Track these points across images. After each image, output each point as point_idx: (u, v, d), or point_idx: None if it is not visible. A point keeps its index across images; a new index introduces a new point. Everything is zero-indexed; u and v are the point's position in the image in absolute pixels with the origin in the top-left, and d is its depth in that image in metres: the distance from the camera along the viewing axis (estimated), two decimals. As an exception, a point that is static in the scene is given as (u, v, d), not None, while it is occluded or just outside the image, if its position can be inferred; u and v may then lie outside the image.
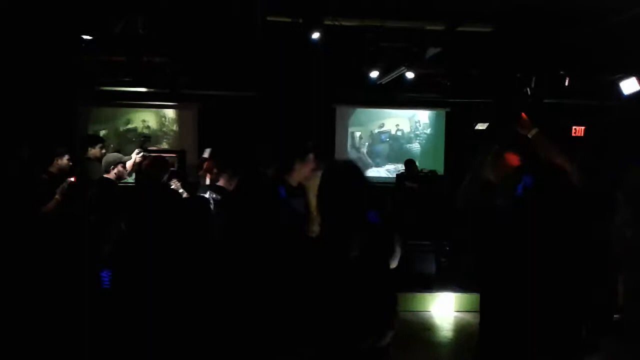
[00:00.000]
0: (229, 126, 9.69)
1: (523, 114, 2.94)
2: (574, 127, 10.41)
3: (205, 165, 4.98)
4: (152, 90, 9.47)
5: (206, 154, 5.37)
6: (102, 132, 9.96)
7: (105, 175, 4.74)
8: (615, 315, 2.71)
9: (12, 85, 7.53)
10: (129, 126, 10.42)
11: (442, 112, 10.94)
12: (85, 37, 6.68)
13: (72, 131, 8.90)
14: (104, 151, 5.52)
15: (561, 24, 6.06)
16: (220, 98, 9.92)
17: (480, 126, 4.07)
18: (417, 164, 8.99)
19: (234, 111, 9.83)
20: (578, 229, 2.75)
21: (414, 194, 8.35)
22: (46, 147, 5.29)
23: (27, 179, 4.41)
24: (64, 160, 5.08)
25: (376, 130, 11.02)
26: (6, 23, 5.95)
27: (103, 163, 4.85)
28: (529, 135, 2.87)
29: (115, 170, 4.76)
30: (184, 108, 10.43)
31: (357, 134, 11.02)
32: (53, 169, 5.01)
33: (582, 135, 10.43)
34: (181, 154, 9.64)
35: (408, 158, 9.27)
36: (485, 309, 2.94)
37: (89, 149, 5.49)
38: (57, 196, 4.20)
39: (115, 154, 5.21)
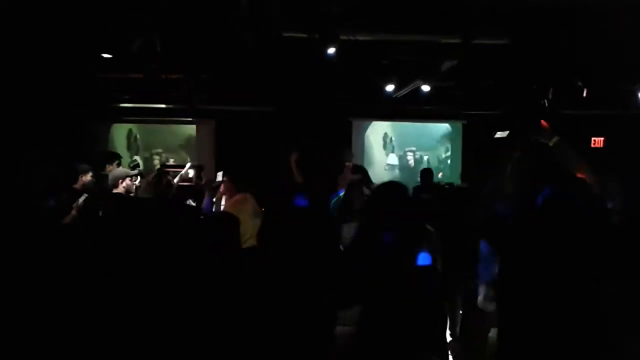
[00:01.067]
0: (245, 141, 9.76)
1: (543, 122, 2.91)
2: (593, 138, 10.34)
3: (220, 188, 5.00)
4: (170, 106, 9.57)
5: (219, 177, 5.38)
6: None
7: (114, 191, 4.78)
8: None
9: (32, 104, 7.66)
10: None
11: (459, 124, 10.90)
12: (104, 55, 6.79)
13: (92, 148, 9.02)
14: (121, 168, 5.58)
15: (578, 34, 6.02)
16: (237, 113, 9.99)
17: (500, 134, 4.03)
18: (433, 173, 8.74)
19: (251, 126, 9.90)
20: (594, 241, 2.71)
21: (429, 206, 8.22)
22: (66, 164, 5.36)
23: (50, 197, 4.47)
24: (88, 177, 5.13)
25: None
26: (26, 43, 6.07)
27: (110, 178, 4.89)
28: (550, 144, 2.83)
29: (124, 184, 4.81)
30: (201, 123, 10.52)
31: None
32: (77, 186, 5.07)
33: (602, 145, 10.36)
34: (198, 168, 9.71)
35: (424, 167, 9.06)
36: (504, 323, 2.89)
37: (107, 165, 5.56)
38: (73, 211, 4.26)
39: (122, 168, 5.28)
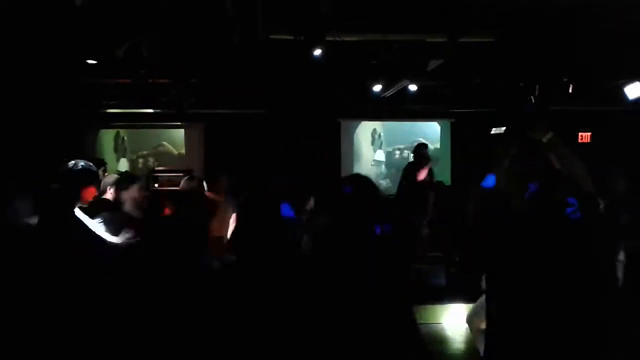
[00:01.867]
0: (235, 144, 9.75)
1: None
2: (580, 134, 10.43)
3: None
4: (158, 110, 9.55)
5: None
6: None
7: (103, 197, 4.76)
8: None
9: (17, 110, 7.61)
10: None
11: (447, 123, 10.94)
12: (90, 61, 6.76)
13: (79, 152, 8.96)
14: (106, 174, 5.53)
15: (563, 30, 6.06)
16: (225, 116, 9.98)
17: (496, 130, 4.04)
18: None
19: (239, 129, 9.89)
20: (586, 239, 2.73)
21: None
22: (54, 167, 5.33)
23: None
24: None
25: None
26: (12, 48, 6.03)
27: (102, 184, 4.87)
28: (544, 140, 2.85)
29: (112, 191, 4.78)
30: (189, 127, 10.51)
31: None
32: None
33: (589, 141, 10.45)
34: (188, 173, 9.69)
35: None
36: (491, 319, 2.91)
37: None
38: None
39: (114, 175, 5.24)
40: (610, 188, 4.21)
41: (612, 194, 4.19)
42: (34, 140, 7.66)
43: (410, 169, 7.45)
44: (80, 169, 3.49)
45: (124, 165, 10.56)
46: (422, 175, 7.29)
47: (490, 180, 3.02)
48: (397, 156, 11.15)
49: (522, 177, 2.86)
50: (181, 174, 8.93)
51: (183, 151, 10.65)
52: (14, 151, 7.16)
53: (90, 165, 3.58)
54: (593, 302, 2.63)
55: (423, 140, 8.86)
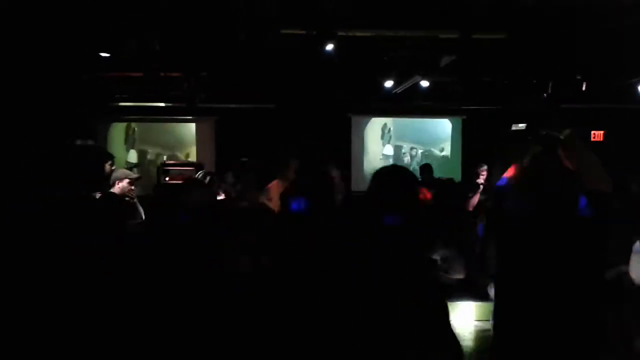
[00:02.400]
0: (246, 138, 9.77)
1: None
2: (593, 132, 10.35)
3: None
4: (169, 104, 9.58)
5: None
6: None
7: (111, 190, 4.81)
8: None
9: (28, 104, 7.66)
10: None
11: (459, 119, 10.90)
12: (102, 54, 6.79)
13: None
14: (114, 167, 5.57)
15: (576, 27, 6.01)
16: (237, 110, 10.00)
17: (516, 127, 4.02)
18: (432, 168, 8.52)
19: (251, 123, 9.91)
20: (594, 237, 2.71)
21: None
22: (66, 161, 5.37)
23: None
24: (125, 182, 5.12)
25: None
26: (24, 42, 6.08)
27: (112, 178, 4.93)
28: (561, 136, 2.84)
29: (120, 185, 4.83)
30: (201, 121, 10.54)
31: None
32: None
33: (602, 139, 10.36)
34: (199, 167, 9.73)
35: (424, 163, 8.99)
36: (500, 316, 2.90)
37: None
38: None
39: (124, 170, 5.28)
40: (626, 189, 4.17)
41: (628, 194, 4.15)
42: (43, 134, 7.70)
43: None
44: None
45: (133, 156, 10.60)
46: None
47: (505, 180, 3.01)
48: (404, 151, 11.14)
49: (542, 175, 2.84)
50: (192, 168, 9.03)
51: (189, 151, 10.67)
52: (23, 144, 7.21)
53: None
54: (594, 302, 2.62)
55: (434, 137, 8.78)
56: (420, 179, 8.60)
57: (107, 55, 6.87)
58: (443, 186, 8.56)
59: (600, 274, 2.81)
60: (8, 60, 6.47)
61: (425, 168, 8.35)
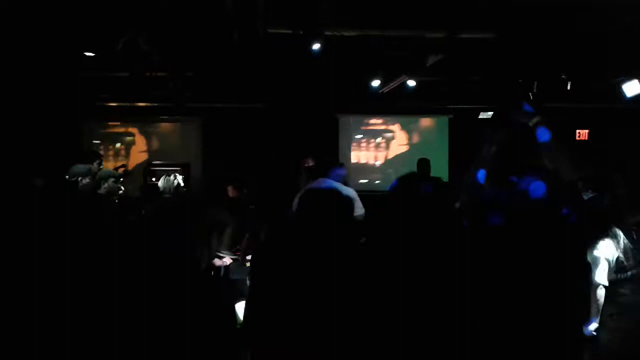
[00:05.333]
0: (232, 139, 9.73)
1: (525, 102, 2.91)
2: (577, 131, 10.44)
3: None
4: (155, 104, 9.51)
5: None
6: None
7: (98, 191, 4.74)
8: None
9: (14, 103, 7.58)
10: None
11: (445, 119, 10.93)
12: (87, 54, 6.72)
13: (76, 148, 8.94)
14: (101, 167, 5.51)
15: (561, 27, 6.05)
16: (223, 110, 9.95)
17: (484, 115, 4.00)
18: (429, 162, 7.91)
19: (237, 123, 9.86)
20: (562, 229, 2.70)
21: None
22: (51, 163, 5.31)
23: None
24: (110, 182, 5.06)
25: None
26: (8, 40, 5.99)
27: (96, 177, 4.86)
28: (530, 124, 2.82)
29: (106, 186, 4.77)
30: (187, 121, 10.47)
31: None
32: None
33: (587, 138, 10.46)
34: (185, 167, 9.64)
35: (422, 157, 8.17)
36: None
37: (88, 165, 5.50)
38: None
39: (108, 169, 5.21)
40: (612, 190, 4.18)
41: (614, 196, 4.16)
42: (30, 135, 7.62)
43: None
44: None
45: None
46: None
47: (481, 174, 2.96)
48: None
49: (510, 168, 2.81)
50: (178, 168, 8.95)
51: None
52: (11, 146, 7.12)
53: None
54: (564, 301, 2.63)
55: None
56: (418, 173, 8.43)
57: (92, 54, 6.80)
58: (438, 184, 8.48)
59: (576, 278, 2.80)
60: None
61: (423, 162, 7.91)
